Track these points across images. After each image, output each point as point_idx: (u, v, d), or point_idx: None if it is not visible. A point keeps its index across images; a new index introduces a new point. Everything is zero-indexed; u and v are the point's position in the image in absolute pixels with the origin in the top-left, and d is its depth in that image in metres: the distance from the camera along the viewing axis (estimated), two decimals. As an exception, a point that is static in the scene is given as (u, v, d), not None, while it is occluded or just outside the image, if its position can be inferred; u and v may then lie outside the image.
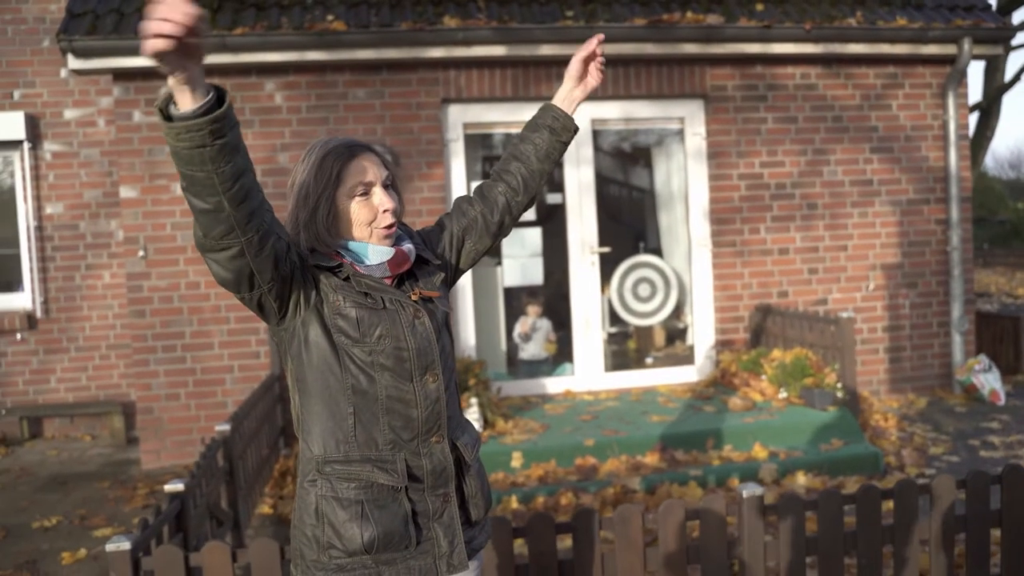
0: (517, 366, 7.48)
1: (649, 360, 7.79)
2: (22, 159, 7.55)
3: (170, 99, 1.57)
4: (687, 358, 7.49)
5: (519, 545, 4.07)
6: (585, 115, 7.02)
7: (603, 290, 7.30)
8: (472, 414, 5.76)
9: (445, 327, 2.07)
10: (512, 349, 7.51)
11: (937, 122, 7.62)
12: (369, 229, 1.97)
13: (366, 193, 1.97)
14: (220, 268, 1.76)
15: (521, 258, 7.40)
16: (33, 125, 7.52)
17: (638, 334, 8.56)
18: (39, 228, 7.57)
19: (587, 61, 2.24)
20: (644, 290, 7.47)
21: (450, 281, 2.20)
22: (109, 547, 2.81)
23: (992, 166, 33.95)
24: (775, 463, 5.42)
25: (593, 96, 6.89)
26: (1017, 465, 3.30)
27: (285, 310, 1.91)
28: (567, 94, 2.25)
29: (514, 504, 5.02)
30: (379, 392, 1.92)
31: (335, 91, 6.68)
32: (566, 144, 2.26)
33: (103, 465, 6.70)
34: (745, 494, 3.14)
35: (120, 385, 7.66)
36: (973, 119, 13.08)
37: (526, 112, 6.87)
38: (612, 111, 7.18)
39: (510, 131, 7.24)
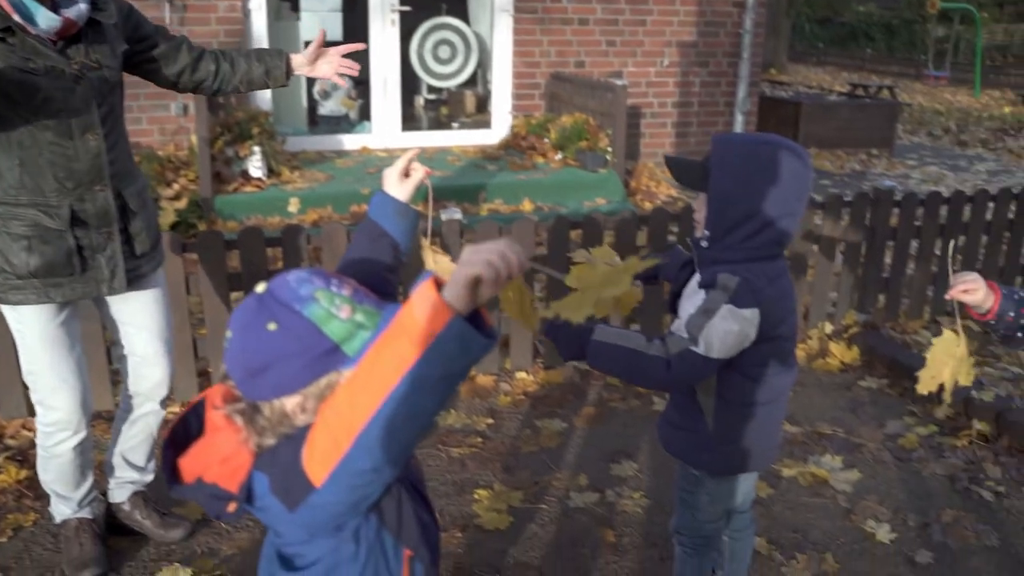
0: (317, 123, 7.55)
1: (456, 124, 8.02)
2: None
3: None
4: (486, 122, 7.75)
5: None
6: None
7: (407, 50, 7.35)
8: (255, 163, 5.89)
9: (116, 90, 2.29)
10: (312, 106, 7.54)
11: (744, -98, 7.73)
12: None
13: None
14: None
15: (321, 12, 7.27)
16: None
17: (451, 99, 8.72)
18: None
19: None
20: (444, 52, 7.55)
21: (128, 63, 2.36)
22: None
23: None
24: (538, 215, 5.88)
25: None
26: (661, 208, 3.78)
27: None
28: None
29: (284, 244, 5.30)
30: (42, 147, 2.14)
31: None
32: (269, 88, 2.55)
33: None
34: (444, 217, 3.50)
35: None
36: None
37: None
38: None
39: None
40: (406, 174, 1.60)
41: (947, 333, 1.80)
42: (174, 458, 1.20)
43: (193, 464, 1.18)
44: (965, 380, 1.79)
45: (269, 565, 1.29)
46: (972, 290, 1.77)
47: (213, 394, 1.22)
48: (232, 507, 1.15)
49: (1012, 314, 1.77)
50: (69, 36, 2.13)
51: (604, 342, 1.79)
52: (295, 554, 1.24)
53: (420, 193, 1.64)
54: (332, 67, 2.52)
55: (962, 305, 1.81)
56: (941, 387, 1.81)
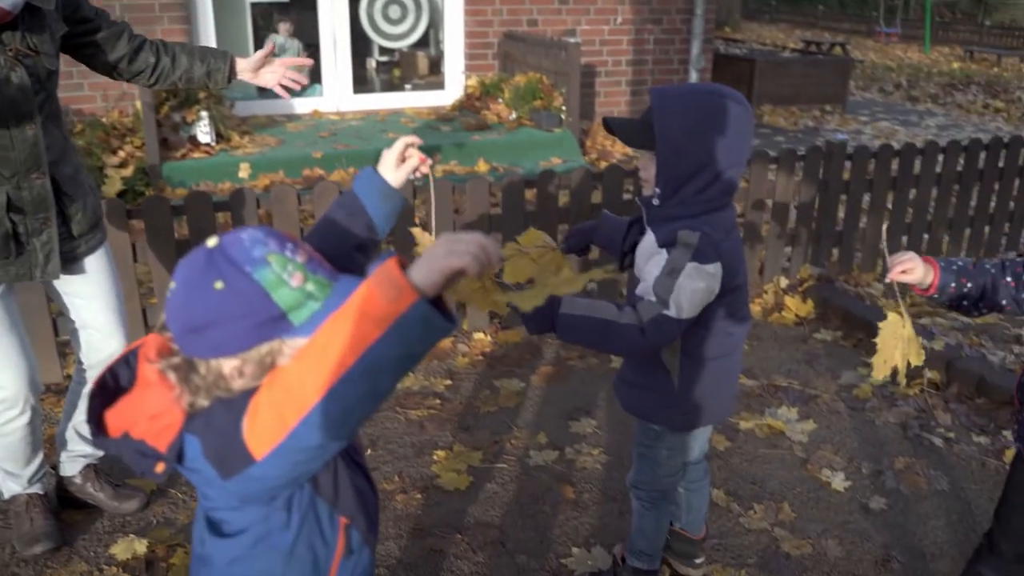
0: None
1: (408, 86, 7.89)
2: None
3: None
4: (439, 83, 7.64)
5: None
6: None
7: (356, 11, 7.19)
8: (203, 128, 5.75)
9: (54, 76, 2.19)
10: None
11: None
12: None
13: None
14: None
15: (266, -29, 7.09)
16: None
17: (403, 61, 8.59)
18: None
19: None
20: (394, 12, 7.41)
21: (66, 45, 2.28)
22: None
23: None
24: (494, 176, 5.83)
25: None
26: (615, 165, 3.76)
27: None
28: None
29: (235, 210, 5.19)
30: None
31: None
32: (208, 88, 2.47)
33: None
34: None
35: None
36: None
37: None
38: None
39: None
40: (403, 159, 1.54)
41: (892, 316, 1.79)
42: (101, 409, 1.15)
43: (120, 418, 1.13)
44: (916, 359, 1.79)
45: (199, 528, 1.26)
46: (910, 269, 1.77)
47: (148, 345, 1.17)
48: (160, 467, 1.10)
49: (953, 284, 1.78)
50: (4, 23, 2.03)
51: (573, 314, 1.75)
52: (222, 520, 1.21)
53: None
54: (276, 77, 2.44)
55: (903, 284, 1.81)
56: (895, 369, 1.81)
